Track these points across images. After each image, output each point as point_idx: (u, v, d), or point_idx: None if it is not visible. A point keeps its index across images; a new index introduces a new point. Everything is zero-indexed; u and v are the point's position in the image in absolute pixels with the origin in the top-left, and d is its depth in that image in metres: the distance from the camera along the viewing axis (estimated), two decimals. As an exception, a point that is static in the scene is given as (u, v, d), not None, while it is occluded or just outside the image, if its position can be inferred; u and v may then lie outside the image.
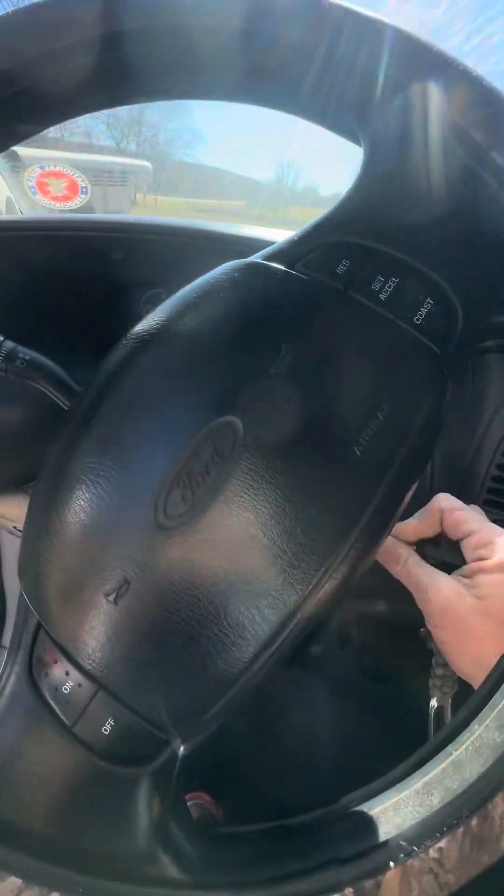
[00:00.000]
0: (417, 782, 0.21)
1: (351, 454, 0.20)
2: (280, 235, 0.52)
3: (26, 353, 0.35)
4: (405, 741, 0.26)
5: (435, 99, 0.19)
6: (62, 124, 0.24)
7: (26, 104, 0.21)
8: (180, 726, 0.21)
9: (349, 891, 0.18)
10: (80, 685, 0.21)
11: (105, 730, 0.21)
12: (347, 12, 0.19)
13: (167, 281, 0.57)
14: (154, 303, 0.60)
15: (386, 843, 0.19)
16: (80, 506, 0.21)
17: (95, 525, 0.21)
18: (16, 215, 0.58)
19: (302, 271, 0.22)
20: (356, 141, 0.23)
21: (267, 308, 0.22)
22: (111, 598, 0.20)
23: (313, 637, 0.21)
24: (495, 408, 0.41)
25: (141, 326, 0.24)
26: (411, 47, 0.19)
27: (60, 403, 0.37)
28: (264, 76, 0.21)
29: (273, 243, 0.51)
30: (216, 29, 0.19)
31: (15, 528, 0.62)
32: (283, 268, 0.23)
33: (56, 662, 0.22)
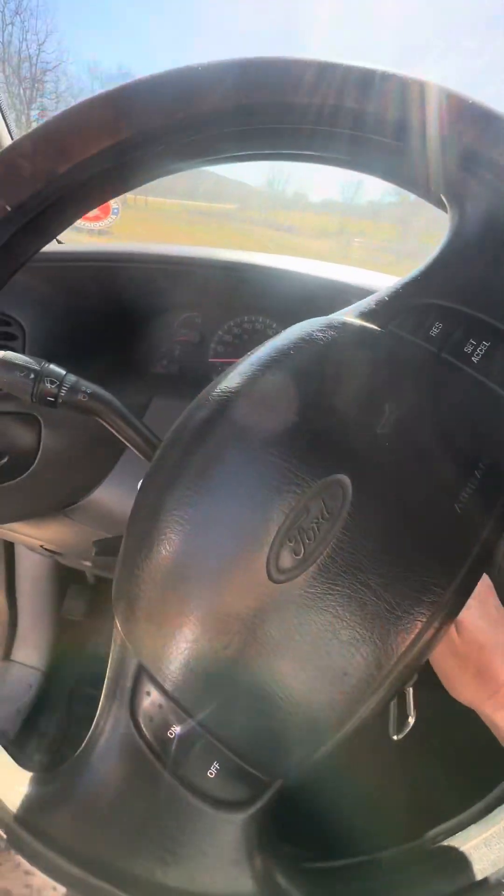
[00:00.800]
0: None
1: (452, 511, 0.21)
2: (292, 263, 0.54)
3: (88, 386, 0.35)
4: (468, 773, 0.28)
5: None
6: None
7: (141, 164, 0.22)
8: (286, 770, 0.22)
9: None
10: (185, 730, 0.22)
11: (211, 773, 0.21)
12: (449, 96, 0.20)
13: (199, 305, 0.58)
14: (189, 326, 0.62)
15: (486, 880, 0.20)
16: (190, 557, 0.22)
17: (208, 577, 0.21)
18: (63, 246, 0.58)
19: (396, 332, 0.24)
20: (443, 207, 0.24)
21: (370, 368, 0.23)
22: (226, 649, 0.21)
23: (409, 683, 0.22)
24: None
25: (236, 378, 0.24)
26: (496, 125, 0.20)
27: (118, 436, 0.37)
28: (369, 149, 0.22)
29: (287, 273, 0.53)
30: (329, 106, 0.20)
31: (42, 546, 0.62)
32: (378, 328, 0.24)
33: (161, 707, 0.22)
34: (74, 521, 0.51)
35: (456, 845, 0.23)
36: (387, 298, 0.25)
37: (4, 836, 0.20)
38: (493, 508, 0.21)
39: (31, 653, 0.90)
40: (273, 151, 0.24)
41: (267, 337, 0.63)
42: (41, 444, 0.43)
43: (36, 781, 0.23)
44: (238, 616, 0.21)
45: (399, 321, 0.24)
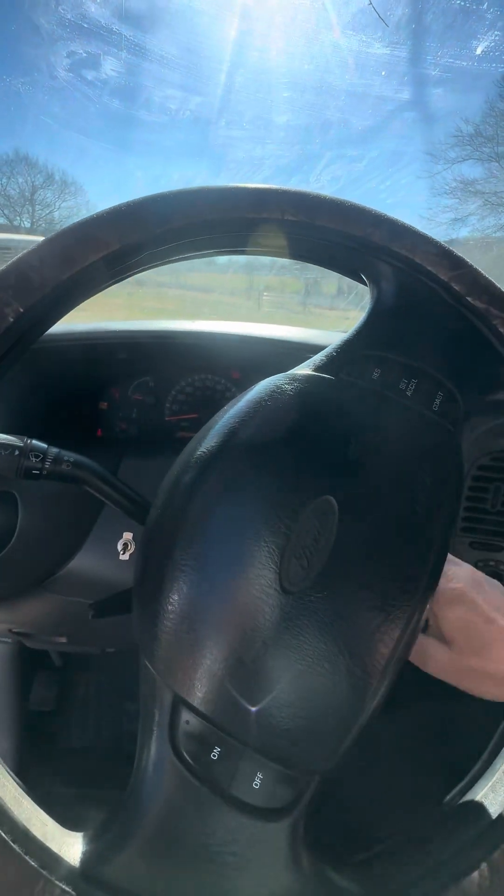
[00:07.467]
0: (501, 765, 0.26)
1: (413, 511, 0.26)
2: (224, 326, 0.61)
3: (70, 455, 0.38)
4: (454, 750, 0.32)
5: (418, 263, 0.28)
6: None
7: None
8: (322, 764, 0.24)
9: (484, 866, 0.23)
10: (227, 748, 0.24)
11: (255, 785, 0.24)
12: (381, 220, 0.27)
13: (150, 371, 0.63)
14: (142, 390, 0.66)
15: (499, 818, 0.24)
16: (211, 588, 0.25)
17: (231, 602, 0.24)
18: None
19: (346, 378, 0.30)
20: (364, 283, 0.32)
21: (332, 409, 0.28)
22: (254, 662, 0.24)
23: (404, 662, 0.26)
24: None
25: (224, 427, 0.29)
26: (392, 226, 0.28)
27: (103, 499, 0.39)
28: (308, 247, 0.29)
29: (224, 335, 0.61)
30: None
31: (10, 630, 0.59)
32: (332, 377, 0.30)
33: (200, 733, 0.24)
34: (52, 594, 0.50)
35: (468, 799, 0.26)
36: (335, 353, 0.31)
37: (75, 895, 0.20)
38: (443, 502, 0.27)
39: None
40: (231, 250, 0.30)
41: (217, 391, 0.69)
42: (18, 520, 0.43)
43: (90, 838, 0.23)
44: (262, 629, 0.24)
45: (347, 370, 0.30)
